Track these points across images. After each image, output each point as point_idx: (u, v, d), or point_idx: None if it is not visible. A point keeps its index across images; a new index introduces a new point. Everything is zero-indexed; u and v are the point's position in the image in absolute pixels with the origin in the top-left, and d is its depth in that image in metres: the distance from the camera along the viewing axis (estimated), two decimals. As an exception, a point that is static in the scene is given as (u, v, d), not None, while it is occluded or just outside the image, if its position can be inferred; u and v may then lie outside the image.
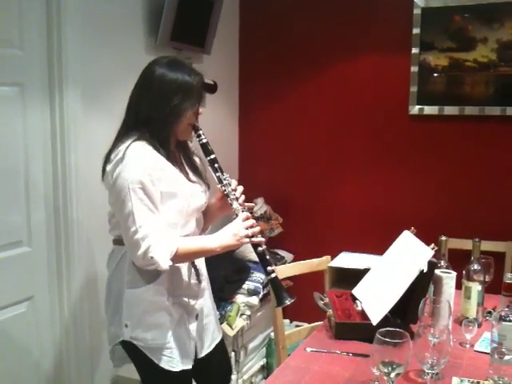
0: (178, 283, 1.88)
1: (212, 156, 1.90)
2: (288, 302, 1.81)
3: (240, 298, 3.03)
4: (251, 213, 1.92)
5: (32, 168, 2.28)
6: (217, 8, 3.18)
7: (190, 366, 1.89)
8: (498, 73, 3.06)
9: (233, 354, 2.98)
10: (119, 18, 2.64)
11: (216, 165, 1.90)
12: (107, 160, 1.80)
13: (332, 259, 2.47)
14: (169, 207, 1.79)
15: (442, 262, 2.03)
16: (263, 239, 1.86)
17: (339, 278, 2.35)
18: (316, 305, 2.17)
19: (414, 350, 1.45)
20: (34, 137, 2.28)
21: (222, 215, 2.08)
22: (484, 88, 3.12)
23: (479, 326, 1.96)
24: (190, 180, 1.89)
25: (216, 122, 3.40)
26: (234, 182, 1.94)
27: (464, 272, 2.02)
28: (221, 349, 2.12)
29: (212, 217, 2.04)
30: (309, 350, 1.84)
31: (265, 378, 3.27)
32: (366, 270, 2.16)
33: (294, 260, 3.45)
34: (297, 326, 3.26)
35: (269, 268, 1.83)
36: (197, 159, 2.00)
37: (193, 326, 1.94)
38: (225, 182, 1.90)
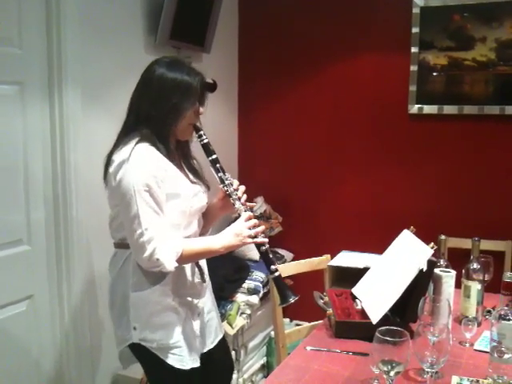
0: (183, 283, 1.89)
1: (213, 156, 1.91)
2: (292, 300, 1.83)
3: (240, 297, 3.04)
4: (252, 212, 1.92)
5: (31, 166, 2.28)
6: (216, 7, 3.18)
7: (198, 364, 1.90)
8: (497, 72, 3.07)
9: (233, 352, 2.99)
10: (119, 16, 2.64)
11: (218, 165, 1.90)
12: (109, 161, 1.79)
13: (332, 258, 2.47)
14: (172, 208, 1.79)
15: (442, 261, 2.03)
16: (266, 239, 1.87)
17: (339, 277, 2.36)
18: (316, 304, 2.18)
19: (413, 348, 1.45)
20: (34, 135, 2.28)
21: (223, 215, 2.09)
22: (483, 87, 3.12)
23: (479, 324, 1.96)
24: (190, 181, 1.89)
25: (215, 121, 3.40)
26: (235, 182, 1.95)
27: (463, 271, 2.02)
28: (223, 346, 2.13)
29: (213, 217, 2.05)
30: (309, 348, 1.84)
31: (265, 376, 3.28)
32: (366, 269, 2.16)
33: (294, 259, 3.45)
34: (297, 324, 3.27)
35: (272, 267, 1.85)
36: (194, 161, 2.00)
37: (196, 324, 1.95)
38: (227, 182, 1.91)
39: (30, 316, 2.33)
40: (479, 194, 3.20)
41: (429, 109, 3.25)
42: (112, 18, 2.59)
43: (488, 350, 1.61)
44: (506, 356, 1.49)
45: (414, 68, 3.24)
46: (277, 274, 1.85)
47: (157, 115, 1.78)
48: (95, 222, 2.44)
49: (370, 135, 3.44)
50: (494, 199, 3.16)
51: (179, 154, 1.93)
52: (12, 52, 2.17)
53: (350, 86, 3.46)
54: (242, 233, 1.83)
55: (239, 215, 1.88)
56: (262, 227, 1.88)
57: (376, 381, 1.58)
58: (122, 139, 1.81)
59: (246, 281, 3.11)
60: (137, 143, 1.75)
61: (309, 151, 3.62)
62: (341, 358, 1.77)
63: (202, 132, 1.89)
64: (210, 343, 2.04)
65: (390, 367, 1.41)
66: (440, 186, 3.29)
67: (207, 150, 1.91)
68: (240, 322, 2.95)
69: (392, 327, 1.44)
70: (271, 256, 1.87)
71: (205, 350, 2.00)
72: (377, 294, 1.98)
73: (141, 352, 1.86)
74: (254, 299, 3.06)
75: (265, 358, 3.37)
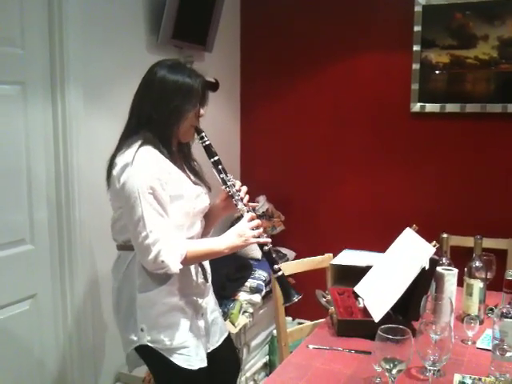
0: (188, 283, 1.89)
1: (215, 158, 1.91)
2: (296, 298, 1.84)
3: (242, 296, 3.04)
4: (255, 212, 1.93)
5: (34, 166, 2.29)
6: (218, 6, 3.18)
7: (205, 364, 1.91)
8: (499, 70, 3.06)
9: (237, 352, 2.99)
10: (121, 16, 2.64)
11: (220, 166, 1.91)
12: (112, 164, 1.80)
13: (334, 257, 2.47)
14: (175, 209, 1.80)
15: (444, 259, 2.03)
16: (269, 239, 1.88)
17: (341, 276, 2.35)
18: (318, 302, 2.18)
19: (415, 346, 1.45)
20: (36, 135, 2.29)
21: (225, 216, 2.10)
22: (485, 85, 3.12)
23: (481, 323, 1.97)
24: (193, 182, 1.90)
25: (217, 121, 3.40)
26: (237, 183, 1.95)
27: (466, 269, 2.02)
28: (228, 343, 2.14)
29: (215, 218, 2.05)
30: (311, 347, 1.84)
31: (267, 375, 3.28)
32: (368, 268, 2.16)
33: (296, 258, 3.45)
34: (299, 323, 3.27)
35: (275, 266, 1.86)
36: (195, 162, 2.01)
37: (201, 324, 1.96)
38: (229, 183, 1.91)
39: (33, 315, 2.33)
40: (481, 191, 3.19)
41: (431, 107, 3.25)
42: (114, 18, 2.59)
43: (490, 348, 1.60)
44: (508, 354, 1.49)
45: (416, 66, 3.23)
46: (280, 273, 1.86)
47: (158, 118, 1.79)
48: (97, 222, 2.45)
49: (372, 134, 3.44)
50: (497, 197, 3.16)
51: (180, 156, 1.94)
52: (14, 52, 2.18)
53: (352, 86, 3.45)
54: (245, 233, 1.84)
55: (242, 216, 1.89)
56: (262, 227, 1.89)
57: (378, 379, 1.59)
58: (124, 142, 1.81)
59: (249, 279, 3.11)
60: (140, 146, 1.75)
61: (311, 150, 3.62)
62: (343, 356, 1.77)
63: (203, 134, 1.90)
64: (215, 342, 2.05)
65: (392, 365, 1.41)
66: (442, 184, 3.28)
67: (209, 151, 1.91)
68: (242, 320, 2.96)
69: (394, 325, 1.44)
70: (274, 255, 1.89)
71: (210, 350, 2.01)
72: (379, 293, 1.98)
73: (148, 354, 1.86)
74: (257, 298, 3.06)
75: (267, 357, 3.37)
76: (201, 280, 1.95)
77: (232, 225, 1.91)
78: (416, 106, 3.27)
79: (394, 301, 1.85)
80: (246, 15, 3.71)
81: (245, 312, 3.01)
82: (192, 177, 1.92)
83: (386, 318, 1.80)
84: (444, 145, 3.27)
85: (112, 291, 1.94)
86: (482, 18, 3.06)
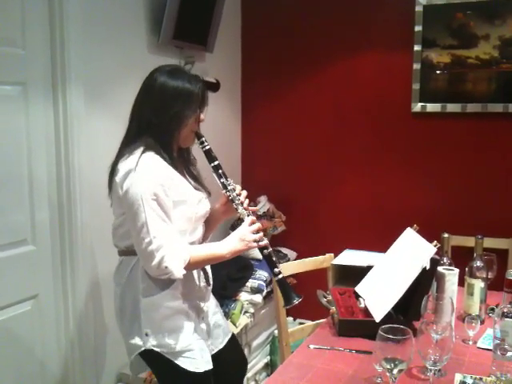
0: (190, 287, 1.90)
1: (216, 162, 1.92)
2: (296, 301, 1.85)
3: (243, 296, 3.04)
4: (254, 216, 1.95)
5: (35, 167, 2.29)
6: (219, 7, 3.18)
7: (211, 366, 1.91)
8: (500, 69, 3.06)
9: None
10: (121, 16, 2.64)
11: (220, 171, 1.92)
12: (114, 170, 1.80)
13: (335, 257, 2.47)
14: (178, 215, 1.80)
15: (445, 259, 2.04)
16: (268, 242, 1.89)
17: (342, 276, 2.36)
18: (319, 302, 2.18)
19: (416, 346, 1.45)
20: (37, 135, 2.29)
21: (225, 220, 2.11)
22: (486, 85, 3.12)
23: (482, 322, 1.97)
24: (194, 187, 1.91)
25: (218, 121, 3.41)
26: (238, 187, 1.96)
27: (467, 269, 2.02)
28: (233, 343, 2.14)
29: (215, 222, 2.06)
30: (312, 347, 1.84)
31: (269, 375, 3.28)
32: (369, 268, 2.17)
33: (297, 258, 3.45)
34: (300, 323, 3.27)
35: (275, 269, 1.87)
36: (194, 167, 2.01)
37: (203, 327, 1.98)
38: (229, 188, 1.92)
39: (35, 315, 2.34)
40: (482, 191, 3.19)
41: (432, 107, 3.25)
42: (115, 18, 2.59)
43: (491, 348, 1.61)
44: (509, 353, 1.50)
45: (417, 66, 3.23)
46: (280, 276, 1.87)
47: (159, 123, 1.79)
48: (99, 222, 2.45)
49: (373, 134, 3.44)
50: (498, 197, 3.16)
51: (180, 161, 1.94)
52: (15, 52, 2.18)
53: (353, 85, 3.45)
54: (246, 237, 1.86)
55: (242, 220, 1.90)
56: (262, 230, 1.91)
57: (379, 379, 1.59)
58: (125, 148, 1.82)
59: (250, 280, 3.11)
60: (142, 152, 1.76)
61: (312, 150, 3.62)
62: (344, 356, 1.78)
63: (203, 138, 1.91)
64: (219, 344, 2.05)
65: (393, 365, 1.42)
66: (443, 183, 3.28)
67: (209, 156, 1.92)
68: (243, 320, 2.96)
69: (395, 325, 1.44)
70: (274, 259, 1.89)
71: (214, 352, 2.02)
72: (380, 293, 1.98)
73: (153, 358, 1.86)
74: (258, 298, 3.06)
75: (268, 357, 3.37)
76: (203, 284, 1.96)
77: (232, 226, 1.92)
78: (417, 106, 3.27)
79: (395, 301, 1.85)
80: (246, 15, 3.71)
81: (246, 312, 3.01)
82: (192, 182, 1.93)
83: (387, 318, 1.80)
84: (445, 145, 3.27)
85: (115, 297, 1.94)
86: (483, 18, 3.06)
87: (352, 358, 1.75)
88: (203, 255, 1.84)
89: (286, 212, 3.62)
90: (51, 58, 2.31)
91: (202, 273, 1.95)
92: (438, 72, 3.21)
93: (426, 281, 1.90)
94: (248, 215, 1.91)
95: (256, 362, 3.24)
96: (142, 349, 1.84)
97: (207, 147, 1.91)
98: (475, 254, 2.02)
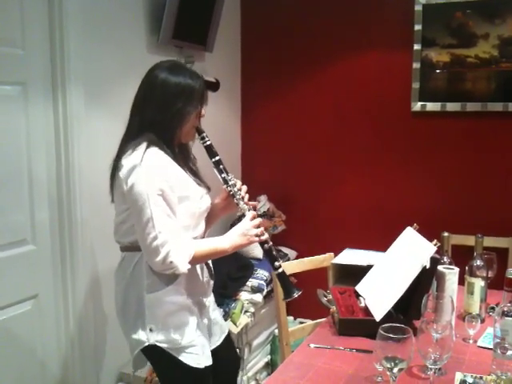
0: (194, 282, 1.91)
1: (217, 158, 1.92)
2: (296, 294, 1.87)
3: (244, 295, 3.04)
4: (255, 211, 1.95)
5: (35, 166, 2.29)
6: (218, 6, 3.18)
7: (211, 362, 1.92)
8: (500, 69, 3.06)
9: (237, 350, 2.99)
10: (121, 16, 2.64)
11: (221, 166, 1.92)
12: (117, 166, 1.80)
13: (335, 256, 2.47)
14: (182, 210, 1.81)
15: (445, 258, 2.04)
16: (268, 237, 1.90)
17: (342, 275, 2.36)
18: (319, 301, 2.18)
19: (416, 345, 1.45)
20: (37, 136, 2.29)
21: (224, 216, 2.12)
22: (486, 84, 3.12)
23: (482, 321, 1.97)
24: (196, 183, 1.92)
25: (218, 121, 3.40)
26: (238, 182, 1.97)
27: (467, 268, 2.02)
28: (229, 342, 2.15)
29: (214, 217, 2.06)
30: (312, 346, 1.85)
31: (269, 374, 3.28)
32: (369, 267, 2.17)
33: (297, 257, 3.45)
34: (301, 322, 3.27)
35: (276, 263, 1.89)
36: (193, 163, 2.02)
37: (206, 322, 1.98)
38: (230, 183, 1.93)
39: (35, 315, 2.34)
40: (482, 190, 3.19)
41: (432, 106, 3.25)
42: (114, 18, 2.59)
43: (491, 347, 1.61)
44: (510, 352, 1.49)
45: (416, 65, 3.23)
46: (280, 270, 1.89)
47: (162, 120, 1.80)
48: (99, 222, 2.45)
49: (373, 133, 3.44)
50: (498, 196, 3.16)
51: (181, 158, 1.94)
52: (15, 53, 2.18)
53: (353, 85, 3.46)
54: (248, 232, 1.87)
55: (244, 215, 1.91)
56: (264, 225, 1.92)
57: (379, 378, 1.59)
58: (128, 144, 1.81)
59: (250, 279, 3.11)
60: (147, 148, 1.76)
61: (312, 149, 3.62)
62: (344, 355, 1.78)
63: (204, 134, 1.91)
64: (216, 341, 2.06)
65: (393, 364, 1.42)
66: (443, 182, 3.28)
67: (210, 151, 1.93)
68: (244, 320, 2.96)
69: (395, 324, 1.44)
70: (275, 253, 1.91)
71: (212, 348, 2.02)
72: (380, 292, 1.98)
73: (156, 354, 1.86)
74: (258, 297, 3.06)
75: (269, 356, 3.37)
76: (206, 278, 1.96)
77: (233, 224, 1.92)
78: (417, 105, 3.27)
79: (395, 300, 1.85)
80: (246, 15, 3.71)
81: (246, 311, 3.01)
82: (192, 177, 1.93)
83: (387, 317, 1.80)
84: (445, 144, 3.27)
85: (116, 293, 1.94)
86: (483, 17, 3.06)
87: (352, 357, 1.76)
88: (207, 250, 1.84)
89: (285, 211, 3.62)
90: (51, 57, 2.31)
91: (205, 267, 1.96)
92: (437, 71, 3.21)
93: (426, 280, 1.90)
94: (249, 210, 1.92)
95: (256, 361, 3.24)
96: (146, 344, 1.83)
97: (208, 142, 1.92)
98: (475, 253, 2.02)
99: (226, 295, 2.94)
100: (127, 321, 1.90)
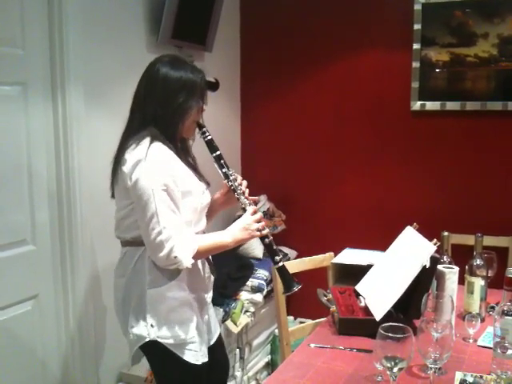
0: (196, 277, 1.91)
1: (217, 152, 1.93)
2: (296, 288, 1.89)
3: (244, 295, 3.04)
4: (256, 206, 1.98)
5: (35, 166, 2.29)
6: (218, 6, 3.18)
7: (207, 359, 1.92)
8: (499, 68, 3.07)
9: (237, 350, 2.99)
10: (121, 16, 2.64)
11: (222, 161, 1.93)
12: (120, 160, 1.79)
13: (335, 256, 2.47)
14: (185, 205, 1.81)
15: (445, 258, 2.04)
16: (269, 231, 1.94)
17: (342, 275, 2.36)
18: (319, 301, 2.18)
19: (416, 344, 1.45)
20: (37, 136, 2.29)
21: (223, 211, 2.13)
22: (485, 83, 3.12)
23: (482, 320, 1.97)
24: (198, 178, 1.92)
25: (218, 120, 3.40)
26: (239, 177, 1.99)
27: (467, 267, 2.02)
28: (220, 341, 2.15)
29: (213, 213, 2.07)
30: (312, 345, 1.85)
31: (269, 374, 3.28)
32: (369, 266, 2.17)
33: (298, 257, 3.45)
34: (301, 322, 3.27)
35: (276, 257, 1.91)
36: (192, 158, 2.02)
37: (206, 318, 1.99)
38: (231, 178, 1.94)
39: (35, 315, 2.34)
40: (482, 189, 3.20)
41: (431, 105, 3.25)
42: (114, 18, 2.59)
43: (491, 346, 1.60)
44: (510, 351, 1.49)
45: (416, 65, 3.23)
46: (281, 264, 1.91)
47: (164, 115, 1.80)
48: (99, 222, 2.45)
49: (373, 132, 3.44)
50: (497, 195, 3.16)
51: (182, 153, 1.94)
52: (14, 53, 2.18)
53: (352, 84, 3.45)
54: (249, 226, 1.88)
55: (244, 210, 1.92)
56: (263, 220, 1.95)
57: (379, 377, 1.59)
58: (130, 138, 1.81)
59: (250, 279, 3.11)
60: (151, 142, 1.76)
61: (311, 149, 3.62)
62: (344, 354, 1.78)
63: (205, 129, 1.92)
64: (213, 338, 2.06)
65: (393, 363, 1.41)
66: (443, 182, 3.29)
67: (211, 146, 1.93)
68: (244, 320, 2.96)
69: (395, 323, 1.44)
70: (275, 247, 1.93)
71: (209, 345, 2.02)
72: (380, 291, 1.98)
73: (155, 350, 1.85)
74: (258, 297, 3.06)
75: (269, 356, 3.37)
76: (207, 274, 1.97)
77: (236, 220, 1.93)
78: (416, 105, 3.27)
79: (395, 299, 1.85)
80: (245, 14, 3.71)
81: (246, 311, 3.01)
82: (193, 172, 1.93)
83: (387, 317, 1.80)
84: (444, 143, 3.27)
85: (116, 288, 1.94)
86: (482, 16, 3.06)
87: (352, 357, 1.76)
88: (209, 244, 1.85)
89: (285, 211, 3.62)
90: (51, 57, 2.31)
91: (206, 263, 1.96)
92: (437, 70, 3.21)
93: (426, 279, 1.90)
94: (250, 205, 1.93)
95: (257, 361, 3.24)
96: (147, 339, 1.83)
97: (209, 137, 1.92)
98: (475, 252, 2.02)
99: (226, 295, 2.94)
100: (127, 316, 1.89)
